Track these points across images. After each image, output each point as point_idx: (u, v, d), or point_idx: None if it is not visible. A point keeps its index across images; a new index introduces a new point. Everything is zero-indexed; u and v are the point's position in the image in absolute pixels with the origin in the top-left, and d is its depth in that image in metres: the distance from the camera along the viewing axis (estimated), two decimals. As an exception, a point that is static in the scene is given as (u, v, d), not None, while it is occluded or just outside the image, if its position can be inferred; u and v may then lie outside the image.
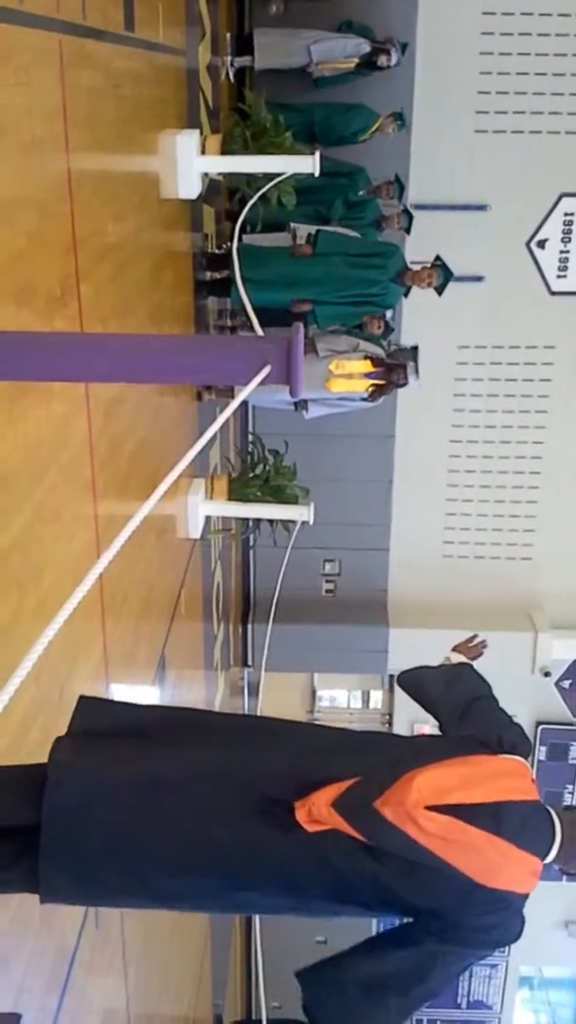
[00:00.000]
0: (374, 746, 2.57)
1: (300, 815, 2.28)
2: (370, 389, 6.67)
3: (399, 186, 8.17)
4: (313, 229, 7.19)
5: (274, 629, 9.36)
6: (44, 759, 2.50)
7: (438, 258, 7.46)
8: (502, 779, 2.39)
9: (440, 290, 7.45)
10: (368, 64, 8.28)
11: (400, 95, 8.80)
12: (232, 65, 8.00)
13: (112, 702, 2.74)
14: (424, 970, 2.39)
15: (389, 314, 7.64)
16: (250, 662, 10.29)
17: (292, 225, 7.17)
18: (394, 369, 6.67)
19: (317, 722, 9.58)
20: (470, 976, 12.29)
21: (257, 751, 2.46)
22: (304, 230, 7.17)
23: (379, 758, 2.43)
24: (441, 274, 7.36)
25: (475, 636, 3.49)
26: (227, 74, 7.91)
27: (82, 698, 2.64)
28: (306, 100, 8.16)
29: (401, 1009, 2.41)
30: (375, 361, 6.68)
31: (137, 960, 5.18)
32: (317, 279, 6.94)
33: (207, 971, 8.21)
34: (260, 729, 2.63)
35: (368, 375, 6.68)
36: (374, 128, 8.21)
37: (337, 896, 2.39)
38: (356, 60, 8.26)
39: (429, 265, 7.45)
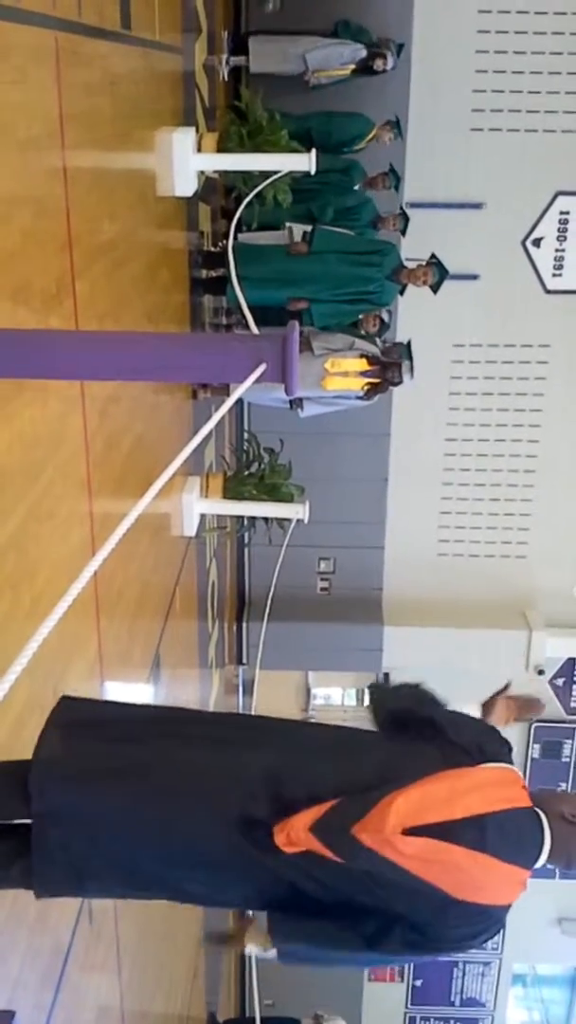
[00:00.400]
0: (357, 752, 2.50)
1: (279, 839, 2.29)
2: (365, 387, 6.66)
3: (394, 176, 8.15)
4: (309, 227, 7.16)
5: (269, 627, 9.37)
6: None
7: (434, 256, 7.43)
8: (486, 790, 2.35)
9: (435, 288, 7.44)
10: (364, 69, 8.29)
11: (396, 94, 8.81)
12: (228, 64, 8.00)
13: (93, 700, 2.71)
14: (392, 953, 2.47)
15: (386, 316, 7.59)
16: (245, 660, 10.30)
17: (288, 225, 7.14)
18: (389, 367, 6.66)
19: (309, 720, 9.58)
20: (463, 974, 12.32)
21: (239, 754, 2.43)
22: (300, 229, 7.15)
23: (360, 771, 2.39)
24: (436, 272, 7.34)
25: (508, 688, 3.08)
26: (223, 74, 7.89)
27: (63, 698, 2.62)
28: (302, 105, 8.11)
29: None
30: (370, 359, 6.67)
31: (131, 957, 5.18)
32: (313, 277, 6.92)
33: (201, 968, 8.22)
34: (244, 727, 2.61)
35: (363, 373, 6.67)
36: (370, 137, 8.19)
37: (313, 911, 2.44)
38: (352, 67, 8.26)
39: (425, 263, 7.43)
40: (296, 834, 2.27)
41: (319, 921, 2.44)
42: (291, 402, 6.87)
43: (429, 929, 2.39)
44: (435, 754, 2.43)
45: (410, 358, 6.69)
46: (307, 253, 6.98)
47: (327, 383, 6.66)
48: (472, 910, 2.36)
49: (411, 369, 6.68)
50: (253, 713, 2.83)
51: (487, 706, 2.93)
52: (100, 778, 2.38)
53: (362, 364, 6.66)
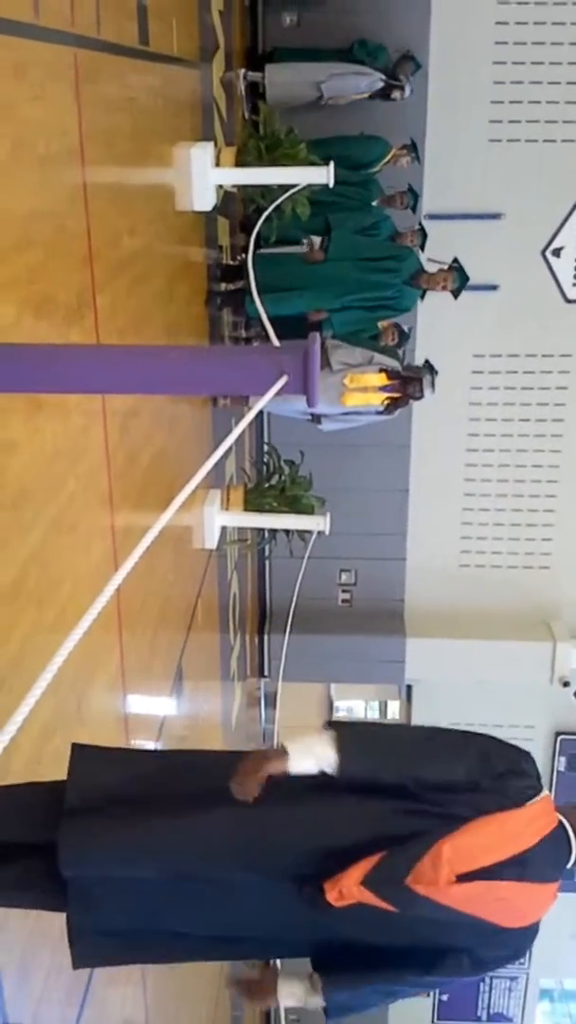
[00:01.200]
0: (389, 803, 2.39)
1: (331, 896, 2.30)
2: (385, 402, 6.55)
3: (412, 195, 8.14)
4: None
5: (291, 639, 9.34)
6: (63, 769, 2.50)
7: (455, 260, 7.37)
8: (527, 829, 2.37)
9: (456, 293, 7.34)
10: (381, 95, 8.35)
11: (413, 106, 8.82)
12: (245, 79, 8.01)
13: (107, 754, 2.62)
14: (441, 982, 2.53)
15: (406, 326, 7.50)
16: (267, 672, 10.28)
17: (305, 240, 7.09)
18: (410, 382, 6.55)
19: None
20: (490, 988, 12.20)
21: (274, 815, 2.36)
22: (317, 240, 7.13)
23: (401, 820, 2.34)
24: (457, 277, 7.25)
25: None
26: (241, 88, 7.90)
27: (75, 748, 2.55)
28: (317, 124, 8.09)
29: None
30: (390, 374, 6.55)
31: (156, 972, 5.16)
32: (329, 282, 6.88)
33: (225, 982, 8.18)
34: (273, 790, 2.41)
35: (383, 388, 6.56)
36: (387, 159, 8.17)
37: (362, 952, 2.48)
38: (368, 95, 8.31)
39: (446, 268, 7.34)
40: (348, 890, 2.29)
41: (369, 971, 2.48)
42: (312, 415, 6.80)
43: (477, 954, 2.45)
44: (472, 798, 2.38)
45: (432, 372, 6.62)
46: (324, 260, 6.95)
47: (346, 399, 6.56)
48: (517, 933, 2.43)
49: (432, 384, 6.60)
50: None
51: None
52: (130, 862, 2.36)
53: (382, 379, 6.55)
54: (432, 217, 9.18)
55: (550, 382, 9.92)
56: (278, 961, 2.60)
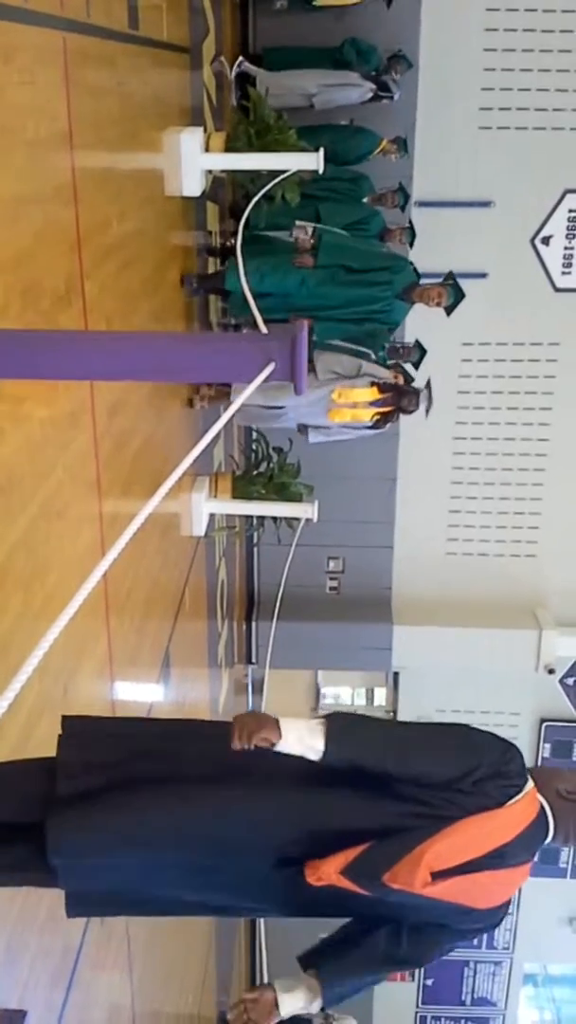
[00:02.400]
0: (379, 791, 2.41)
1: (310, 878, 2.34)
2: (375, 417, 6.22)
3: (403, 195, 8.13)
4: (317, 224, 6.91)
5: (278, 626, 9.37)
6: (50, 753, 2.51)
7: (451, 275, 7.08)
8: (507, 825, 2.39)
9: (450, 310, 6.98)
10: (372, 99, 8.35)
11: (404, 92, 8.78)
12: (239, 66, 7.96)
13: (98, 724, 2.63)
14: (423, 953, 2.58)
15: (410, 367, 7.18)
16: (254, 659, 10.30)
17: (296, 224, 6.86)
18: (404, 394, 6.19)
19: None
20: (474, 973, 12.30)
21: (263, 804, 2.40)
22: (309, 227, 6.99)
23: (383, 811, 2.37)
24: (452, 293, 6.88)
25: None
26: (230, 77, 7.85)
27: (65, 720, 2.56)
28: (308, 120, 8.07)
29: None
30: (381, 387, 6.20)
31: (142, 956, 5.19)
32: (316, 294, 6.54)
33: (211, 968, 8.23)
34: (262, 769, 2.45)
35: (374, 403, 6.21)
36: (376, 151, 8.13)
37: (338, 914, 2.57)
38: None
39: (440, 282, 6.98)
40: (327, 876, 2.33)
41: (356, 950, 2.52)
42: (299, 427, 6.63)
43: (452, 927, 2.52)
44: (459, 798, 2.38)
45: (429, 391, 6.31)
46: (313, 266, 6.62)
47: (334, 414, 6.22)
48: (491, 911, 2.49)
49: (429, 399, 6.27)
50: None
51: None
52: (117, 842, 2.38)
53: (373, 393, 6.19)
54: (422, 204, 9.18)
55: (538, 370, 9.94)
56: (271, 982, 2.59)
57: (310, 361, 6.18)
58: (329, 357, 6.24)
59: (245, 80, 8.14)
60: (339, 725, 2.39)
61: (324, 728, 2.36)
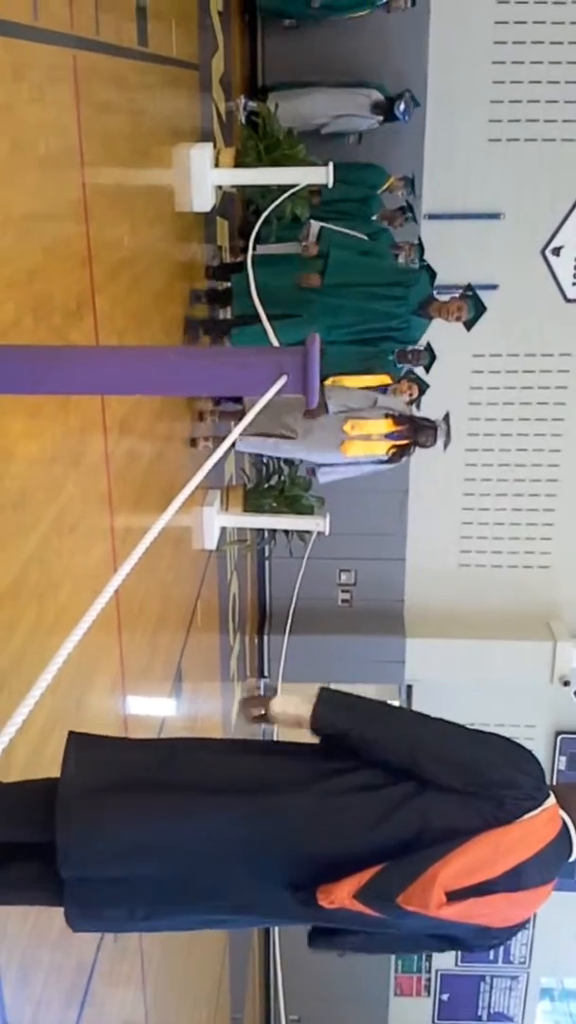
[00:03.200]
0: (391, 808, 2.37)
1: (322, 901, 2.31)
2: (390, 451, 5.93)
3: (411, 215, 8.16)
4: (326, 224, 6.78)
5: (290, 640, 9.34)
6: (58, 772, 2.50)
7: (470, 287, 6.72)
8: (524, 843, 2.33)
9: (470, 325, 6.60)
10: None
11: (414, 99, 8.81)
12: (245, 108, 7.98)
13: (103, 745, 2.60)
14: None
15: (422, 370, 6.93)
16: (267, 673, 10.28)
17: (303, 236, 6.77)
18: (421, 429, 5.88)
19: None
20: (491, 988, 12.21)
21: (272, 822, 2.38)
22: (316, 227, 6.76)
23: (397, 829, 2.34)
24: (472, 306, 6.48)
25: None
26: (241, 118, 7.83)
27: (71, 737, 2.54)
28: (316, 148, 8.09)
29: None
30: (397, 419, 5.88)
31: (156, 973, 5.17)
32: (327, 311, 6.16)
33: (225, 984, 8.18)
34: (271, 786, 2.43)
35: (389, 435, 5.89)
36: (384, 188, 8.08)
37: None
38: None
39: (459, 295, 6.60)
40: (340, 900, 2.30)
41: (360, 937, 2.50)
42: (308, 469, 6.36)
43: (465, 943, 2.49)
44: (469, 810, 2.35)
45: (448, 425, 6.00)
46: (321, 285, 6.30)
47: (347, 447, 5.90)
48: (507, 930, 2.44)
49: (447, 433, 5.97)
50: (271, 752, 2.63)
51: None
52: (127, 851, 2.37)
53: (388, 425, 5.88)
54: (432, 217, 9.19)
55: (550, 381, 9.92)
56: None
57: (320, 395, 5.82)
58: (342, 393, 5.99)
59: (254, 94, 8.20)
60: (330, 692, 2.50)
61: (316, 695, 2.44)
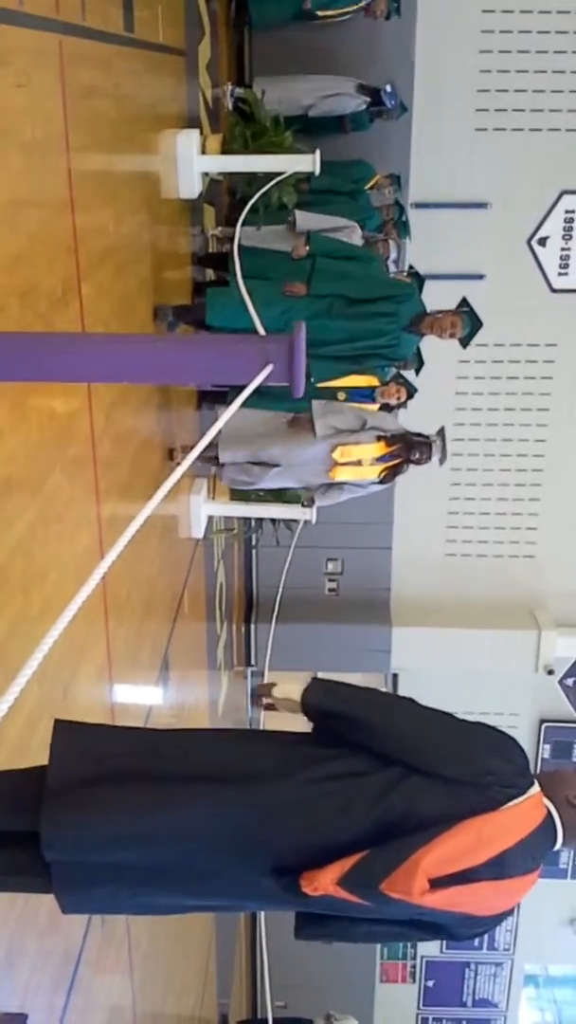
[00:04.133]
0: (372, 794, 2.39)
1: (306, 888, 2.32)
2: (383, 473, 5.67)
3: (404, 228, 8.15)
4: (312, 219, 6.63)
5: (277, 628, 9.36)
6: (46, 760, 2.50)
7: (465, 303, 6.65)
8: (507, 830, 2.34)
9: (465, 342, 6.33)
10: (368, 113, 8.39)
11: (401, 93, 8.79)
12: (232, 95, 7.94)
13: (90, 731, 2.61)
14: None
15: (411, 374, 6.76)
16: (253, 662, 10.29)
17: (293, 212, 6.59)
18: (415, 446, 5.60)
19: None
20: (475, 974, 12.30)
21: (257, 809, 2.38)
22: (302, 218, 6.60)
23: (381, 816, 2.35)
24: (468, 322, 6.18)
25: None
26: (228, 104, 7.78)
27: (57, 724, 2.54)
28: (303, 137, 8.06)
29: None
30: (389, 440, 5.59)
31: (143, 959, 5.18)
32: (312, 329, 5.81)
33: (212, 970, 8.22)
34: (256, 774, 2.45)
35: (381, 458, 5.61)
36: (371, 184, 7.99)
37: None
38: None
39: (453, 311, 6.29)
40: (324, 886, 2.31)
41: (342, 920, 2.50)
42: (303, 502, 6.16)
43: (450, 931, 2.49)
44: (452, 794, 2.35)
45: (443, 440, 5.77)
46: (306, 293, 5.94)
47: (336, 473, 5.64)
48: (493, 918, 2.46)
49: (443, 449, 5.71)
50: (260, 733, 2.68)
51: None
52: (111, 840, 2.37)
53: (380, 448, 5.59)
54: (418, 206, 9.18)
55: (536, 371, 9.94)
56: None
57: (307, 419, 5.64)
58: (330, 411, 5.68)
59: (241, 76, 8.16)
60: (322, 680, 2.62)
61: (308, 681, 2.55)
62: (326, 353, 5.79)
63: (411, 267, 7.88)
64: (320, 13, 8.36)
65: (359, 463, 5.57)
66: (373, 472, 5.62)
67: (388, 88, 8.30)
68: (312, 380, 5.72)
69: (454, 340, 6.19)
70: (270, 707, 2.63)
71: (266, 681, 2.73)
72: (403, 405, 6.50)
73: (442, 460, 5.76)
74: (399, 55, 8.84)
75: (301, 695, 2.54)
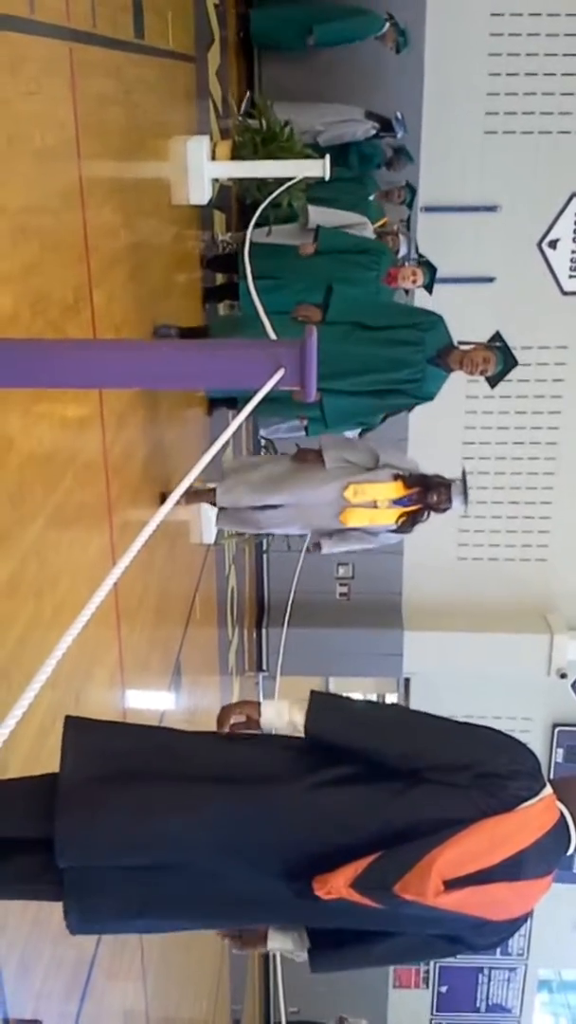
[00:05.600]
0: (387, 797, 2.38)
1: (319, 891, 2.31)
2: (401, 519, 5.14)
3: (410, 191, 8.13)
4: (324, 215, 6.63)
5: (289, 633, 9.36)
6: (58, 767, 2.51)
7: (498, 337, 5.86)
8: (522, 831, 2.33)
9: (495, 381, 5.70)
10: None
11: (409, 97, 8.81)
12: (244, 103, 7.97)
13: (102, 730, 2.61)
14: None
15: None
16: (265, 667, 10.29)
17: (306, 208, 6.60)
18: (434, 488, 5.09)
19: None
20: (489, 980, 12.25)
21: (269, 812, 2.37)
22: (315, 214, 6.65)
23: (393, 819, 2.34)
24: (501, 358, 5.48)
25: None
26: (239, 112, 7.77)
27: (68, 720, 2.54)
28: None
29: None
30: (407, 481, 5.10)
31: (156, 965, 5.18)
32: (326, 359, 4.72)
33: (225, 976, 8.21)
34: (267, 776, 2.45)
35: (398, 501, 5.11)
36: (379, 224, 7.73)
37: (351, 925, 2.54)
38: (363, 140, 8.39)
39: (485, 345, 5.62)
40: (337, 889, 2.29)
41: (357, 947, 2.52)
42: (309, 545, 5.66)
43: (464, 940, 2.47)
44: (465, 797, 2.34)
45: (465, 483, 5.25)
46: (321, 321, 5.48)
47: (348, 516, 5.11)
48: (507, 924, 2.44)
49: (464, 491, 5.18)
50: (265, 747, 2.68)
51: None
52: (122, 843, 2.37)
53: (397, 489, 5.09)
54: (428, 210, 9.19)
55: (546, 374, 9.92)
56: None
57: (315, 451, 5.24)
58: (341, 443, 5.27)
59: (251, 83, 8.19)
60: (322, 698, 2.50)
61: (307, 702, 2.45)
62: (343, 388, 5.26)
63: (420, 255, 7.86)
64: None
65: (374, 504, 5.10)
66: (389, 517, 5.14)
67: (398, 115, 8.33)
68: (327, 423, 5.35)
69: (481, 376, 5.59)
70: (241, 726, 2.52)
71: (254, 699, 2.58)
72: (423, 286, 6.33)
73: (465, 503, 5.22)
74: (407, 84, 8.83)
75: (304, 723, 2.44)
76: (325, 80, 8.64)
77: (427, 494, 5.10)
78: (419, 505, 5.12)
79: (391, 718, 2.63)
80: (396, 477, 5.12)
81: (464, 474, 5.28)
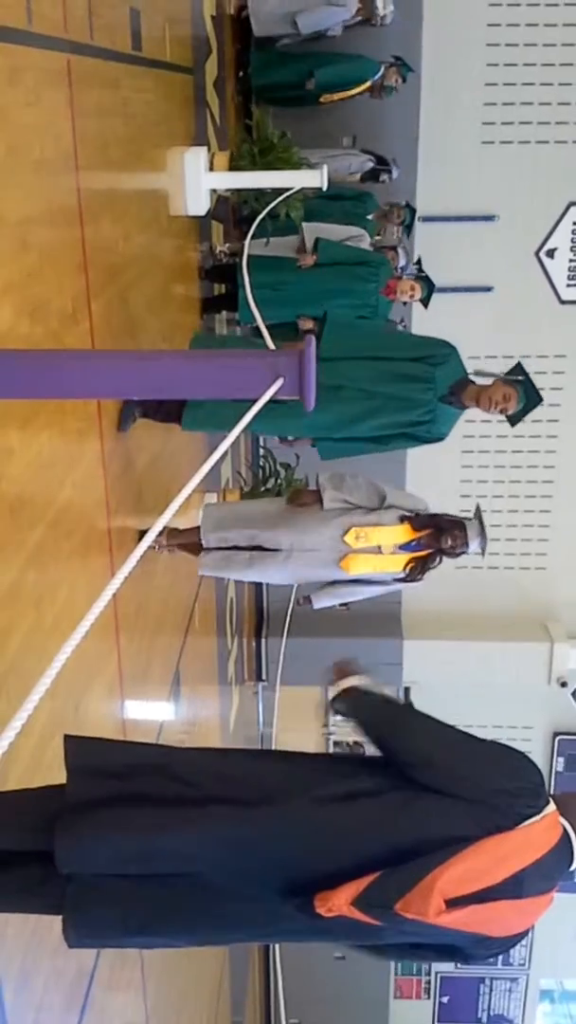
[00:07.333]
0: (390, 814, 2.38)
1: (320, 909, 2.30)
2: (409, 566, 4.61)
3: (410, 211, 8.15)
4: (321, 230, 6.66)
5: (288, 643, 9.35)
6: (60, 774, 2.50)
7: (519, 368, 5.21)
8: (524, 849, 2.32)
9: (516, 420, 4.99)
10: (371, 176, 8.49)
11: (407, 107, 8.84)
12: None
13: (102, 750, 2.60)
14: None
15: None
16: (264, 676, 10.27)
17: (302, 226, 6.60)
18: (446, 530, 4.54)
19: (332, 752, 9.26)
20: (490, 990, 12.20)
21: (267, 828, 2.37)
22: (310, 230, 6.64)
23: (395, 836, 2.33)
24: (523, 394, 4.78)
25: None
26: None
27: (67, 740, 2.53)
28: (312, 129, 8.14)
29: None
30: (415, 523, 4.56)
31: (156, 977, 5.16)
32: (317, 408, 3.49)
33: (226, 988, 8.17)
34: (268, 794, 2.43)
35: (405, 546, 4.57)
36: (375, 213, 7.95)
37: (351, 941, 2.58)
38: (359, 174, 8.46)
39: (505, 379, 4.87)
40: (338, 907, 2.29)
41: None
42: (301, 599, 5.21)
43: (465, 952, 2.46)
44: (468, 815, 2.33)
45: (481, 523, 4.65)
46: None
47: (351, 563, 4.56)
48: (509, 939, 2.43)
49: (483, 534, 4.61)
50: (272, 753, 2.68)
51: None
52: (125, 859, 2.36)
53: (405, 532, 4.55)
54: (426, 220, 9.21)
55: (545, 383, 9.89)
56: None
57: (317, 493, 4.72)
58: (341, 480, 4.70)
59: (248, 96, 8.21)
60: (360, 689, 2.77)
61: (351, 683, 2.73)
62: (341, 436, 4.75)
63: (420, 270, 7.87)
64: (323, 99, 8.37)
65: (379, 550, 4.54)
66: (396, 564, 4.58)
67: (395, 160, 8.41)
68: (320, 455, 4.89)
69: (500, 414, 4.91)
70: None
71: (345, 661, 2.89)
72: (420, 300, 6.33)
73: (483, 548, 4.63)
74: (404, 95, 8.82)
75: (332, 698, 2.71)
76: (320, 136, 8.58)
77: (439, 537, 4.56)
78: (430, 550, 4.59)
79: (407, 717, 2.69)
80: (403, 519, 4.58)
81: (479, 512, 4.74)
